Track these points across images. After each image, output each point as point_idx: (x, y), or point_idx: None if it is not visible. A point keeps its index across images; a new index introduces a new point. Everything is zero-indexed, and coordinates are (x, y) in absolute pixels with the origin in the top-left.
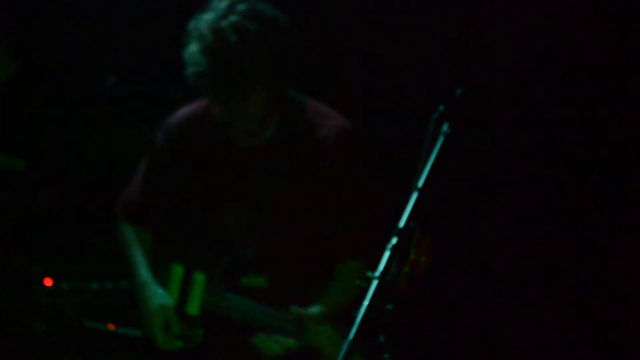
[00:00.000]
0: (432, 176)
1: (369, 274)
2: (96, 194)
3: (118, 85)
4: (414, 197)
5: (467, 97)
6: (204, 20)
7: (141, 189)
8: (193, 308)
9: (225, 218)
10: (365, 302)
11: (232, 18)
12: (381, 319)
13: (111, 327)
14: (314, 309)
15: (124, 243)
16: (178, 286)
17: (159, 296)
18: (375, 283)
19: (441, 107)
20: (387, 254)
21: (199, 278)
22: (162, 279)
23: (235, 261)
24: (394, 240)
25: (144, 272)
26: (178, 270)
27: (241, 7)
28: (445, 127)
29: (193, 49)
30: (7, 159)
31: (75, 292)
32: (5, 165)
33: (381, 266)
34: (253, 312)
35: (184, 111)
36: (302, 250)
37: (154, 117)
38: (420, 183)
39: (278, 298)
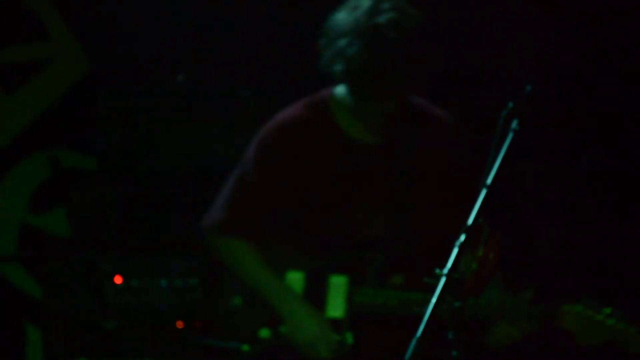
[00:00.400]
0: (501, 173)
1: (437, 271)
2: (166, 192)
3: (187, 83)
4: (483, 194)
5: (536, 94)
6: (358, 17)
7: (250, 201)
8: (336, 311)
9: (358, 218)
10: (433, 300)
11: (388, 15)
12: (450, 316)
13: (180, 325)
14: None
15: (238, 260)
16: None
17: (312, 310)
18: (443, 280)
19: (510, 104)
20: (455, 251)
21: (339, 280)
22: None
23: (387, 260)
24: (463, 238)
25: (284, 287)
26: (297, 278)
27: (390, 4)
28: (514, 124)
29: (352, 45)
30: (78, 158)
31: (145, 290)
32: (76, 164)
33: (449, 263)
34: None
35: (286, 116)
36: (436, 242)
37: (223, 116)
38: (489, 180)
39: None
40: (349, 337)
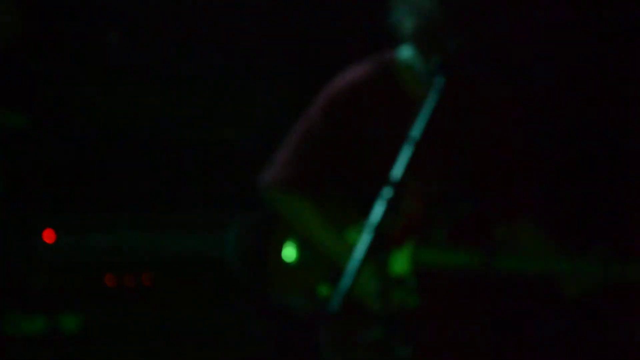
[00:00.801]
0: (427, 127)
1: (362, 225)
2: (99, 151)
3: (120, 42)
4: (410, 149)
5: (462, 49)
6: None
7: (316, 158)
8: (400, 266)
9: (420, 180)
10: (360, 253)
11: None
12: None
13: (110, 281)
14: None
15: (303, 217)
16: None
17: (375, 266)
18: (369, 234)
19: (437, 60)
20: (382, 205)
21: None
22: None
23: (454, 222)
24: (389, 192)
25: (348, 244)
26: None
27: None
28: (441, 82)
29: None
30: (8, 116)
31: (78, 246)
32: (5, 121)
33: (376, 217)
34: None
35: (356, 74)
36: (499, 209)
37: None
38: (418, 135)
39: None
40: (413, 300)
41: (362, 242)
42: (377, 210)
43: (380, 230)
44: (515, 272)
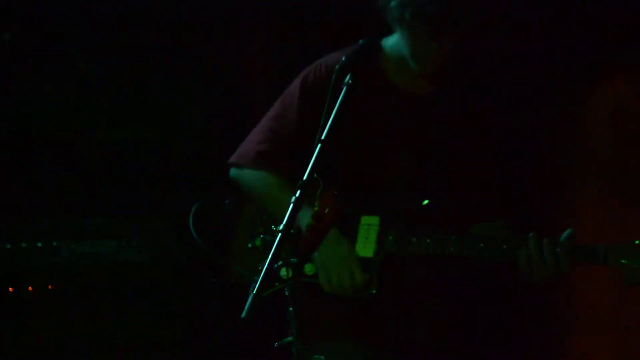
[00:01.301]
0: (335, 128)
1: (273, 227)
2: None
3: (13, 41)
4: (317, 149)
5: (368, 48)
6: None
7: (288, 137)
8: (366, 251)
9: (393, 165)
10: (269, 256)
11: None
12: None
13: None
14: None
15: (272, 191)
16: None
17: (343, 242)
18: (279, 236)
19: (343, 58)
20: (290, 207)
21: (371, 220)
22: None
23: (420, 207)
24: (297, 193)
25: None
26: None
27: None
28: (347, 78)
29: None
30: None
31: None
32: None
33: (285, 219)
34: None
35: (334, 57)
36: (469, 200)
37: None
38: (324, 135)
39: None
40: (374, 282)
41: (274, 244)
42: (288, 211)
43: (289, 231)
44: (479, 257)
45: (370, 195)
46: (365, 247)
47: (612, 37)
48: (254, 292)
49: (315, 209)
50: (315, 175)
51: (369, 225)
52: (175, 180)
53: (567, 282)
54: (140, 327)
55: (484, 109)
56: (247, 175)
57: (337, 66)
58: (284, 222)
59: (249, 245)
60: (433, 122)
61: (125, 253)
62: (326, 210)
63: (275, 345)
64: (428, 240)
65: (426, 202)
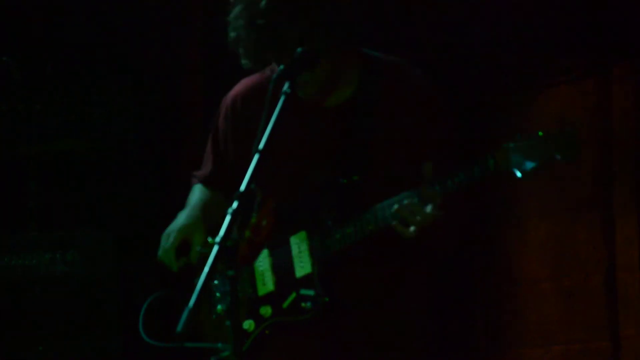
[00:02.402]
0: (274, 137)
1: (209, 239)
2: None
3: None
4: (255, 159)
5: (307, 56)
6: None
7: (213, 165)
8: (304, 269)
9: (313, 180)
10: (206, 269)
11: None
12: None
13: None
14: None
15: (189, 198)
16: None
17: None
18: (215, 249)
19: (281, 67)
20: (227, 219)
21: (299, 238)
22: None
23: (337, 196)
24: (235, 205)
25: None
26: (264, 255)
27: None
28: (285, 87)
29: (236, 10)
30: None
31: None
32: None
33: (221, 231)
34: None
35: (246, 81)
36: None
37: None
38: (261, 145)
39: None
40: (320, 294)
41: (210, 257)
42: (224, 223)
43: (225, 244)
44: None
45: (292, 211)
46: (302, 266)
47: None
48: (191, 305)
49: (253, 220)
50: (252, 186)
51: (298, 243)
52: (111, 190)
53: (512, 294)
54: (77, 342)
55: (402, 113)
56: (192, 190)
57: (274, 75)
58: (221, 234)
59: (214, 317)
60: (340, 132)
61: (60, 266)
62: (264, 222)
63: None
64: (348, 230)
65: (345, 180)
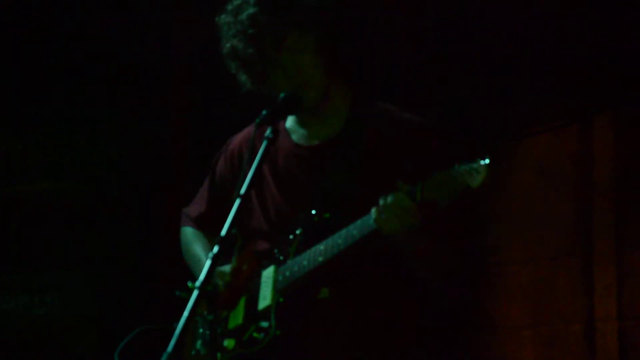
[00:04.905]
0: (253, 182)
1: (189, 284)
2: None
3: None
4: (237, 204)
5: (290, 100)
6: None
7: (208, 205)
8: (264, 301)
9: (292, 217)
10: (185, 313)
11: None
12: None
13: None
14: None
15: (186, 243)
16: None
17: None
18: (195, 293)
19: (264, 112)
20: (208, 263)
21: (268, 272)
22: None
23: (309, 231)
24: (215, 249)
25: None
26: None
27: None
28: (268, 132)
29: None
30: None
31: None
32: None
33: (202, 276)
34: (337, 236)
35: (249, 129)
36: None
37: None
38: (243, 190)
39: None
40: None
41: (190, 300)
42: (204, 267)
43: (206, 287)
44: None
45: (270, 248)
46: (264, 298)
47: (537, 95)
48: (169, 350)
49: (233, 265)
50: (233, 231)
51: (266, 277)
52: (91, 231)
53: (492, 341)
54: None
55: (386, 149)
56: (182, 231)
57: (257, 119)
58: (201, 278)
59: (192, 352)
60: (320, 171)
61: (38, 309)
62: (244, 267)
63: None
64: (304, 263)
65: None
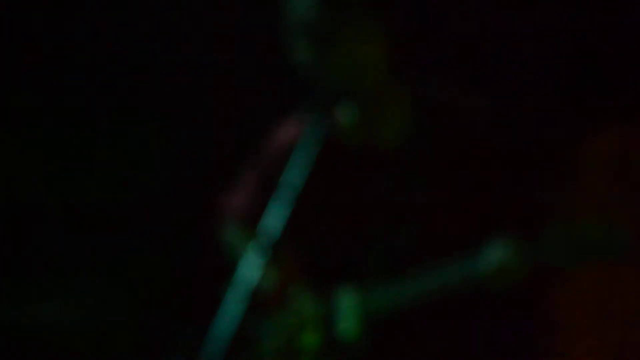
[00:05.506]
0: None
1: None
2: None
3: None
4: (292, 202)
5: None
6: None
7: (254, 202)
8: (349, 330)
9: (364, 232)
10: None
11: None
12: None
13: None
14: None
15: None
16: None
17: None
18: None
19: (310, 101)
20: (256, 260)
21: (349, 294)
22: None
23: (389, 252)
24: (259, 246)
25: None
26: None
27: None
28: (317, 125)
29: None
30: None
31: None
32: None
33: (250, 273)
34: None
35: (291, 121)
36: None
37: None
38: (295, 186)
39: None
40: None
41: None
42: (252, 266)
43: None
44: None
45: (342, 262)
46: (347, 327)
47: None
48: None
49: (277, 265)
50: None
51: (348, 301)
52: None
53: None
54: None
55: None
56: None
57: (306, 110)
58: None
59: None
60: (392, 182)
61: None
62: (287, 266)
63: None
64: (391, 297)
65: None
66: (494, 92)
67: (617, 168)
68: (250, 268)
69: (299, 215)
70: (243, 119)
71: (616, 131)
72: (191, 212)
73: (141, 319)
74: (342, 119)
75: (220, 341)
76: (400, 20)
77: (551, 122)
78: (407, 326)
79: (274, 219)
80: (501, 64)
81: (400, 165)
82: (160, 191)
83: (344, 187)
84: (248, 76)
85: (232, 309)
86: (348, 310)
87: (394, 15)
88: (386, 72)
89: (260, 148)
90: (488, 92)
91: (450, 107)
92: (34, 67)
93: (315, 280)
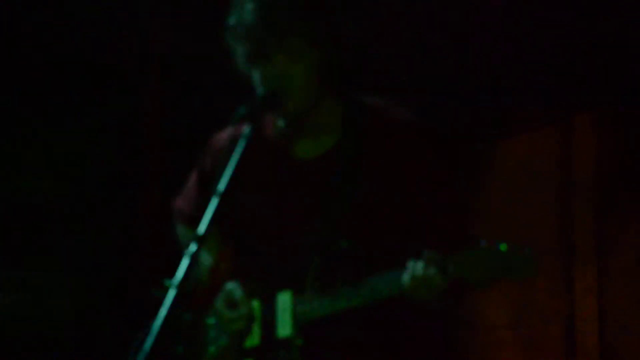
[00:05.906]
0: (234, 179)
1: (166, 282)
2: None
3: None
4: (215, 201)
5: (269, 99)
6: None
7: (198, 201)
8: (284, 330)
9: (301, 238)
10: (162, 312)
11: None
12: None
13: None
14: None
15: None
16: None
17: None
18: (172, 292)
19: (242, 109)
20: (185, 262)
21: (286, 296)
22: None
23: (326, 261)
24: (193, 247)
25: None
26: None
27: None
28: (246, 130)
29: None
30: None
31: None
32: None
33: (179, 274)
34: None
35: (230, 127)
36: (385, 251)
37: None
38: (222, 187)
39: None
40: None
41: (166, 299)
42: (182, 266)
43: (183, 287)
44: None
45: (280, 267)
46: (283, 326)
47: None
48: (146, 349)
49: (211, 263)
50: (212, 229)
51: (284, 303)
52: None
53: (469, 340)
54: None
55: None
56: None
57: (235, 116)
58: (178, 277)
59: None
60: (325, 187)
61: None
62: (222, 265)
63: None
64: (326, 302)
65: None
66: (420, 103)
67: (523, 173)
68: (188, 267)
69: (230, 217)
70: (178, 119)
71: (524, 139)
72: (128, 212)
73: (82, 315)
74: (273, 127)
75: (158, 339)
76: (333, 38)
77: (470, 131)
78: (338, 329)
79: (207, 221)
80: (424, 75)
81: (327, 175)
82: (97, 192)
83: (272, 192)
84: (184, 77)
85: (169, 307)
86: (284, 313)
87: (326, 34)
88: (316, 87)
89: (201, 152)
90: (414, 103)
91: (379, 118)
92: None
93: (254, 282)
